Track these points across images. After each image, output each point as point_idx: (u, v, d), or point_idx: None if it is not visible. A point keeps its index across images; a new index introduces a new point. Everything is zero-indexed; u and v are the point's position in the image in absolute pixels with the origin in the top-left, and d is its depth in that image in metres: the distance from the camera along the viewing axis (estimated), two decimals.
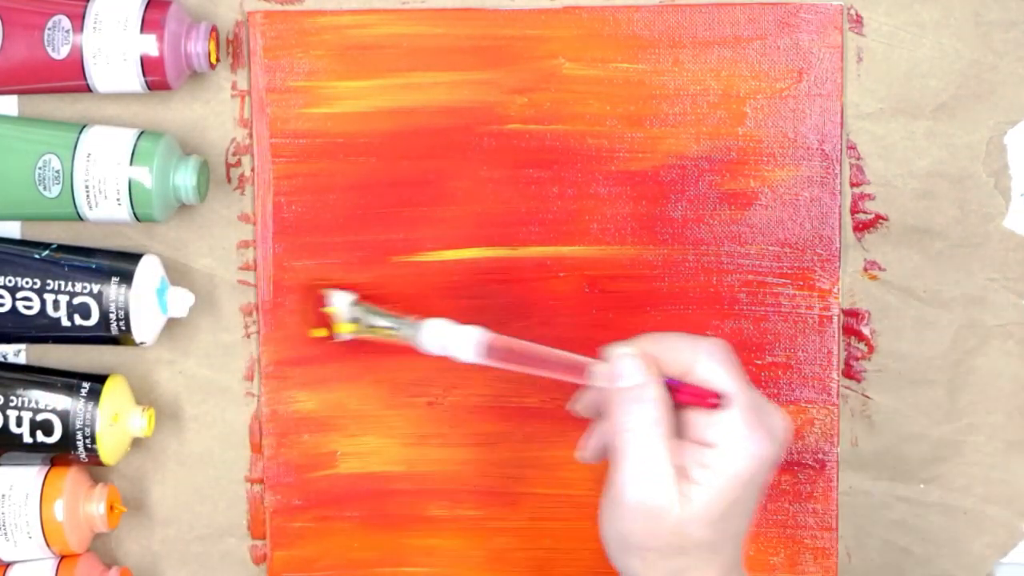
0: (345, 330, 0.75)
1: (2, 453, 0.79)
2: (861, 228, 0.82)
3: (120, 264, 0.78)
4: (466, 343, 0.69)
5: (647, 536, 0.64)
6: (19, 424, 0.78)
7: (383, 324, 0.74)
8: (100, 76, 0.76)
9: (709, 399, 0.64)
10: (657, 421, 0.64)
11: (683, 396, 0.65)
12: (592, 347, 0.83)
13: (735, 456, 0.63)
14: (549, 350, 0.69)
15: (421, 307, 0.83)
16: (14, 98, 0.81)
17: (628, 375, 0.66)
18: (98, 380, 0.79)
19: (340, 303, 0.76)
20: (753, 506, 0.65)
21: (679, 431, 0.65)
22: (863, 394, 0.83)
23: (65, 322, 0.78)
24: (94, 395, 0.79)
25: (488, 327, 0.84)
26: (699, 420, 0.65)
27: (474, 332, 0.70)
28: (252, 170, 0.82)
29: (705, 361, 0.65)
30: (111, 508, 0.80)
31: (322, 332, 0.76)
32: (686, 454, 0.64)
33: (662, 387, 0.65)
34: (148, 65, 0.76)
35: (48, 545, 0.79)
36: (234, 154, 0.82)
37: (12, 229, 0.82)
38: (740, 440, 0.64)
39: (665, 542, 0.64)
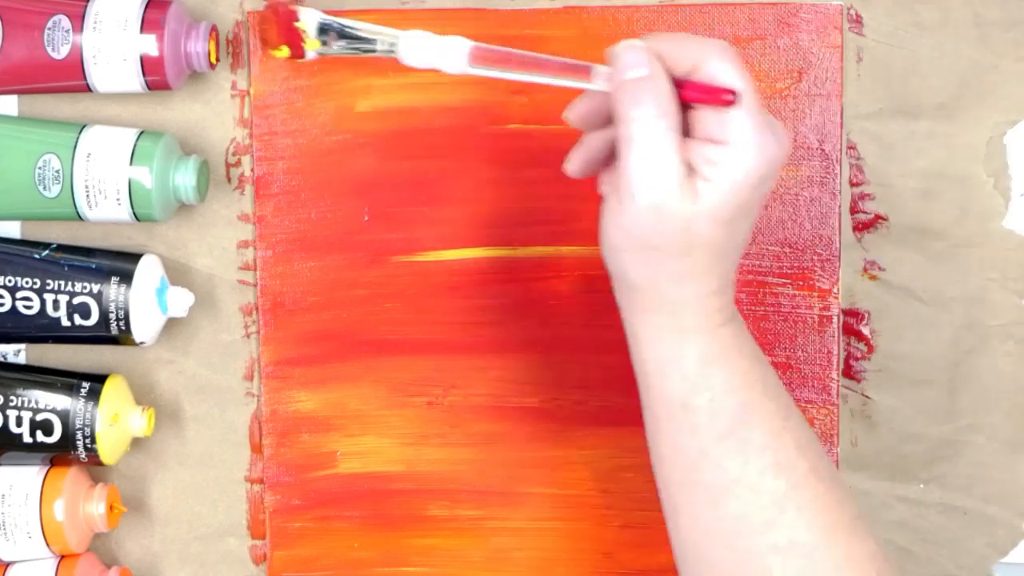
0: (312, 47, 0.68)
1: (2, 453, 0.79)
2: (861, 228, 0.82)
3: (120, 264, 0.78)
4: (453, 52, 0.66)
5: (654, 232, 0.62)
6: (19, 424, 0.78)
7: (357, 39, 0.67)
8: (100, 76, 0.76)
9: (723, 95, 0.62)
10: (665, 112, 0.62)
11: (691, 93, 0.63)
12: (592, 347, 0.83)
13: (748, 154, 0.62)
14: (545, 55, 0.66)
15: (421, 307, 0.83)
16: (14, 98, 0.81)
17: (634, 66, 0.63)
18: (98, 380, 0.79)
19: (309, 17, 0.68)
20: (755, 216, 0.64)
21: (684, 131, 0.63)
22: (863, 394, 0.83)
23: (65, 322, 0.78)
24: (94, 395, 0.78)
25: (490, 324, 0.84)
26: (707, 118, 0.63)
27: (458, 41, 0.66)
28: (252, 170, 0.82)
29: (715, 59, 0.63)
30: (111, 508, 0.80)
31: (284, 52, 0.69)
32: (695, 151, 0.62)
33: (669, 80, 0.63)
34: (148, 65, 0.76)
35: (48, 545, 0.79)
36: (234, 154, 0.82)
37: (12, 229, 0.82)
38: (753, 138, 0.62)
39: (672, 240, 0.62)
